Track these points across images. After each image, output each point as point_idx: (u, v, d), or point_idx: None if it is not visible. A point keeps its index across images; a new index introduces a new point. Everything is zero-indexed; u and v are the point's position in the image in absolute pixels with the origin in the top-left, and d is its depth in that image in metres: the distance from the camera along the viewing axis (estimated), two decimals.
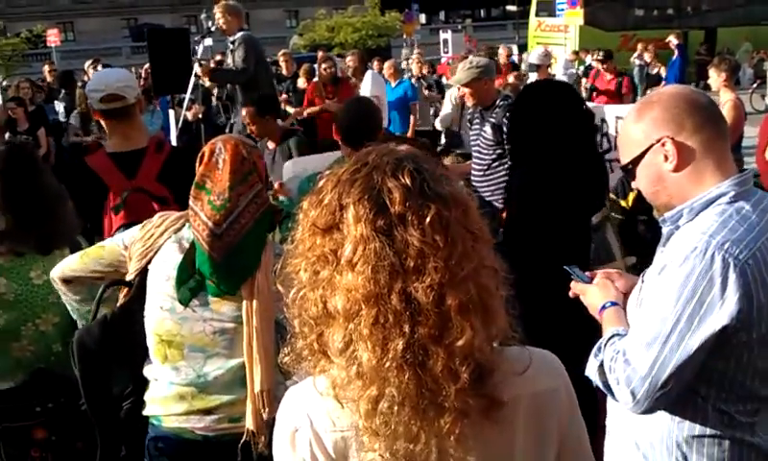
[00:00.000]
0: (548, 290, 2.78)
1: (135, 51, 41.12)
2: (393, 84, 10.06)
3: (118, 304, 2.55)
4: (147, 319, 2.44)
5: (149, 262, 2.44)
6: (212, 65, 9.18)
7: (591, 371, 1.96)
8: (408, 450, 1.28)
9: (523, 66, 15.98)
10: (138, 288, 2.46)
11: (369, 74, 9.61)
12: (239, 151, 2.43)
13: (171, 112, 7.91)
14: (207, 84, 8.47)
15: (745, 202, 1.87)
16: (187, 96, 7.82)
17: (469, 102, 5.52)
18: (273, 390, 2.32)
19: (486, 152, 5.21)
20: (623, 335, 1.93)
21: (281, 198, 4.23)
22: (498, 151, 5.09)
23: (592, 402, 2.50)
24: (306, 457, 1.35)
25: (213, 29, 7.78)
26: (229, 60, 7.39)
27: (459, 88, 5.79)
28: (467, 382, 1.26)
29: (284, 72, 11.66)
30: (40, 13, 47.64)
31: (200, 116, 8.93)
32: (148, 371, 2.48)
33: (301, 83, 10.88)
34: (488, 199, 4.99)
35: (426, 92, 11.03)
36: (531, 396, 1.37)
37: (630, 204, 4.91)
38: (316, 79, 10.14)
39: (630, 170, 2.02)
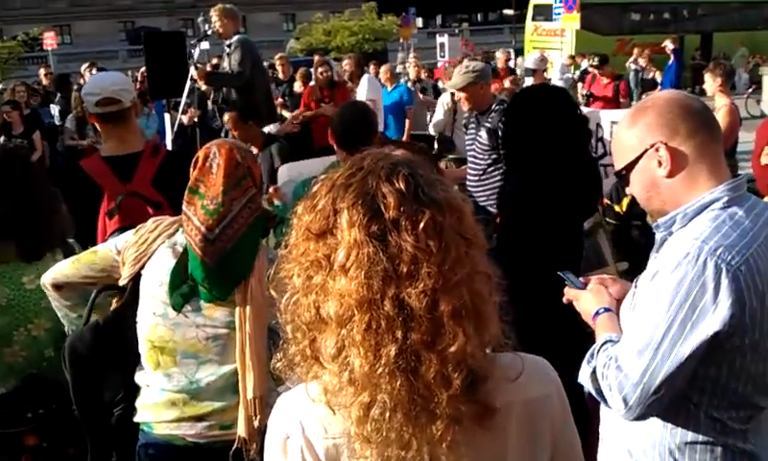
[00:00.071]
0: (541, 296, 2.78)
1: (132, 54, 41.11)
2: (389, 89, 10.08)
3: (111, 310, 2.54)
4: (139, 324, 2.43)
5: (142, 267, 2.43)
6: (208, 69, 9.18)
7: (584, 377, 1.95)
8: (400, 457, 1.28)
9: (518, 71, 16.00)
10: (131, 294, 2.46)
11: (365, 78, 9.63)
12: (233, 155, 2.42)
13: (167, 116, 7.91)
14: (203, 87, 8.47)
15: (738, 207, 1.87)
16: (183, 100, 7.81)
17: (465, 106, 5.52)
18: (265, 397, 2.32)
19: (481, 157, 5.21)
20: (616, 341, 1.93)
21: (276, 202, 4.22)
22: (494, 156, 5.09)
23: (584, 408, 2.50)
24: None
25: (210, 32, 7.78)
26: (226, 64, 7.39)
27: (455, 93, 5.80)
28: (459, 389, 1.26)
29: (281, 76, 11.67)
30: (37, 16, 47.54)
31: (195, 120, 8.92)
32: (139, 377, 2.46)
33: (298, 86, 10.88)
34: (483, 204, 4.98)
35: (422, 96, 11.03)
36: (523, 402, 1.37)
37: (624, 209, 4.91)
38: (312, 83, 10.14)
39: (624, 176, 2.02)
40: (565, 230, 3.55)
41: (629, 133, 1.99)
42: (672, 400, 1.83)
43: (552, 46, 22.48)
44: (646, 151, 1.93)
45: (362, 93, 9.12)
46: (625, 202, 4.81)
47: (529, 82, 10.24)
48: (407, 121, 9.79)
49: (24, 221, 2.82)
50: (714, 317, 1.74)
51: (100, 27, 53.48)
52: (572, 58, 19.18)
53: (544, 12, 24.80)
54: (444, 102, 7.83)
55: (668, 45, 17.84)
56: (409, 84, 11.26)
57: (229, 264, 2.35)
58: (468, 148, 5.46)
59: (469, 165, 5.37)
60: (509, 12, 51.72)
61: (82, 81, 11.85)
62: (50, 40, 30.74)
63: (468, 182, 5.31)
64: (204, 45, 8.43)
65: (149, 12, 53.53)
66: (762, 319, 1.79)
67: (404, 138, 9.22)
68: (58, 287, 2.58)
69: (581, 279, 2.26)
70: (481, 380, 1.30)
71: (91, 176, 3.42)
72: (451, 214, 1.31)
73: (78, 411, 2.54)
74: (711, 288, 1.74)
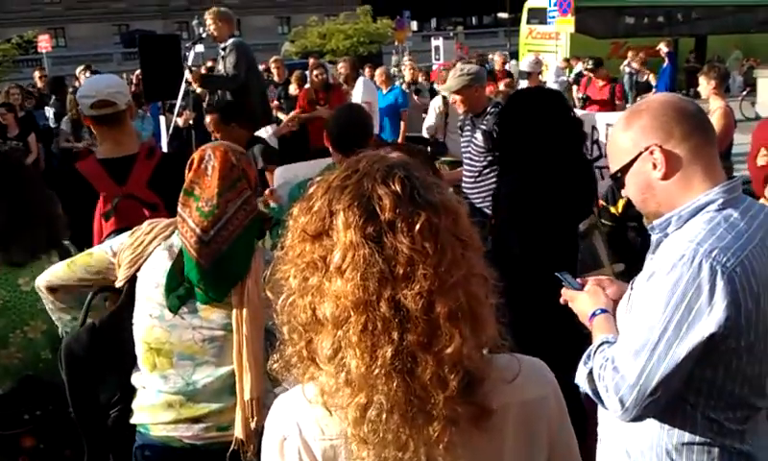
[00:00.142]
0: (537, 297, 2.78)
1: (127, 57, 41.05)
2: (384, 91, 10.09)
3: (107, 312, 2.54)
4: (136, 327, 2.43)
5: (138, 269, 2.42)
6: (203, 72, 9.17)
7: (581, 378, 1.96)
8: (397, 458, 1.28)
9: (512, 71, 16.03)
10: (127, 296, 2.45)
11: (360, 81, 9.64)
12: (228, 158, 2.42)
13: (162, 118, 7.91)
14: (198, 90, 8.46)
15: (733, 209, 1.87)
16: (178, 102, 7.81)
17: (460, 109, 5.52)
18: (262, 398, 2.31)
19: (477, 159, 5.21)
20: (613, 343, 1.93)
21: (272, 204, 4.22)
22: (489, 158, 5.08)
23: (581, 409, 2.51)
24: None
25: (204, 35, 7.78)
26: (221, 67, 7.39)
27: (448, 96, 5.80)
28: (455, 390, 1.26)
29: (276, 79, 11.68)
30: (31, 19, 47.46)
31: (191, 122, 8.91)
32: (136, 379, 2.46)
33: (293, 89, 10.89)
34: (479, 206, 4.99)
35: (416, 98, 11.05)
36: (520, 404, 1.37)
37: (620, 210, 4.91)
38: (308, 85, 10.15)
39: (619, 178, 2.02)
40: (560, 232, 3.56)
41: (624, 136, 1.99)
42: (669, 401, 1.83)
43: (547, 49, 22.50)
44: (641, 153, 1.94)
45: (357, 96, 9.13)
46: (621, 203, 4.81)
47: (524, 85, 10.25)
48: (402, 123, 9.80)
49: (19, 224, 2.81)
50: (710, 319, 1.74)
51: (94, 30, 53.45)
52: (567, 61, 19.22)
53: (539, 16, 24.82)
54: (435, 105, 7.84)
55: (663, 48, 17.92)
56: (404, 87, 11.27)
57: (225, 266, 2.35)
58: (463, 150, 5.47)
59: (465, 167, 5.37)
60: (503, 15, 51.81)
61: (77, 83, 11.83)
62: (44, 43, 30.70)
63: (463, 184, 5.31)
64: (199, 48, 8.44)
65: (143, 16, 53.48)
66: (758, 320, 1.79)
67: (399, 140, 9.24)
68: (53, 290, 2.58)
69: (578, 280, 2.27)
70: (478, 382, 1.31)
71: (87, 178, 3.41)
72: (447, 216, 1.31)
73: (74, 413, 2.54)
74: (707, 290, 1.74)
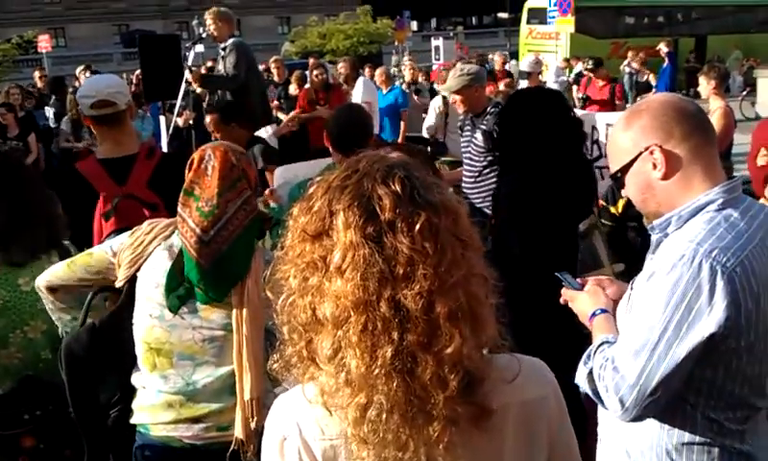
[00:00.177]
0: (537, 297, 2.78)
1: (127, 57, 41.06)
2: (384, 91, 10.09)
3: (107, 311, 2.54)
4: (136, 327, 2.43)
5: (138, 269, 2.42)
6: (203, 72, 9.17)
7: (581, 378, 1.96)
8: (397, 458, 1.28)
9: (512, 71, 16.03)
10: (127, 296, 2.45)
11: (360, 81, 9.64)
12: (228, 158, 2.42)
13: (162, 118, 7.91)
14: (198, 90, 8.47)
15: (733, 209, 1.87)
16: (178, 102, 7.81)
17: (460, 109, 5.52)
18: (262, 398, 2.31)
19: (477, 159, 5.21)
20: (613, 343, 1.93)
21: (272, 204, 4.22)
22: (489, 158, 5.08)
23: (581, 409, 2.51)
24: None
25: (204, 35, 7.78)
26: (221, 67, 7.39)
27: (447, 96, 5.80)
28: (455, 390, 1.26)
29: (276, 79, 11.68)
30: (31, 19, 47.47)
31: (191, 122, 8.92)
32: (136, 379, 2.46)
33: (293, 89, 10.89)
34: (479, 206, 4.99)
35: (416, 98, 11.05)
36: (520, 404, 1.37)
37: (620, 210, 4.91)
38: (308, 85, 10.15)
39: (619, 178, 2.02)
40: (560, 232, 3.56)
41: (624, 136, 1.99)
42: (669, 401, 1.83)
43: (547, 49, 22.50)
44: (641, 153, 1.94)
45: (357, 96, 9.13)
46: (621, 203, 4.81)
47: (524, 85, 10.25)
48: (402, 123, 9.80)
49: (19, 224, 2.82)
50: (710, 319, 1.74)
51: (94, 30, 53.45)
52: (567, 61, 19.22)
53: (539, 16, 24.83)
54: (435, 106, 7.85)
55: (663, 48, 17.91)
56: (404, 87, 11.27)
57: (225, 266, 2.35)
58: (463, 150, 5.47)
59: (465, 167, 5.37)
60: (503, 15, 51.84)
61: (77, 83, 11.84)
62: (44, 43, 30.71)
63: (463, 184, 5.31)
64: (199, 48, 8.44)
65: (143, 16, 53.48)
66: (758, 320, 1.79)
67: (399, 140, 9.24)
68: (53, 290, 2.58)
69: (578, 280, 2.27)
70: (478, 382, 1.31)
71: (87, 178, 3.41)
72: (447, 216, 1.31)
73: (74, 413, 2.54)
74: (707, 290, 1.74)
